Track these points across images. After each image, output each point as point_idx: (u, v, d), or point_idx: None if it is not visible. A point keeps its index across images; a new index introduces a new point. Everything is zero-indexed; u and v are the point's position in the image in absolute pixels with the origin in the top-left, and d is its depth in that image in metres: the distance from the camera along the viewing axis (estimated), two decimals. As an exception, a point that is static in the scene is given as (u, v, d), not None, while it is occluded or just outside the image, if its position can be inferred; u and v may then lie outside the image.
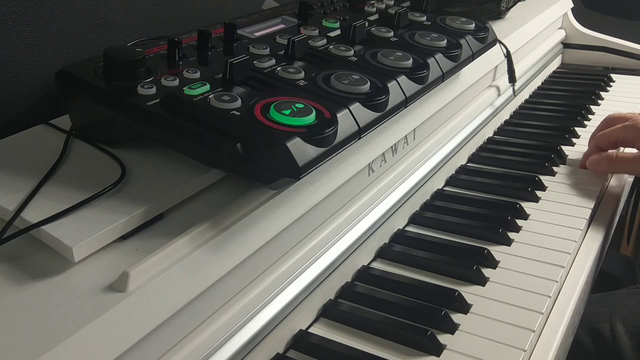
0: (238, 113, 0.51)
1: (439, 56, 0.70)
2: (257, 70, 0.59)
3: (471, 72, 0.86)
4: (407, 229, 0.75)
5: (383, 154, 0.69)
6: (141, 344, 0.42)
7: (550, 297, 0.62)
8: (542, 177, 0.84)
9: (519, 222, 0.75)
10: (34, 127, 0.61)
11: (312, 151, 0.49)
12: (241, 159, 0.49)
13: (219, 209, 0.50)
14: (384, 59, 0.65)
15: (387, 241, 0.72)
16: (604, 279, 1.13)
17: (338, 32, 0.72)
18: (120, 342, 0.40)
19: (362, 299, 0.62)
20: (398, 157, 0.74)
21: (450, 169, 0.86)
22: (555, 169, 0.88)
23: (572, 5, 1.34)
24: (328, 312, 0.61)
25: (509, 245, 0.71)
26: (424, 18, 0.80)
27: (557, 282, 0.64)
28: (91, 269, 0.44)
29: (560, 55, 1.34)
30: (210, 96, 0.52)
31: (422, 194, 0.78)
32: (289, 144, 0.48)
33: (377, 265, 0.68)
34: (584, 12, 1.59)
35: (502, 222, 0.74)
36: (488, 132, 0.98)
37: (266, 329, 0.54)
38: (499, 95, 0.99)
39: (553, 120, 1.04)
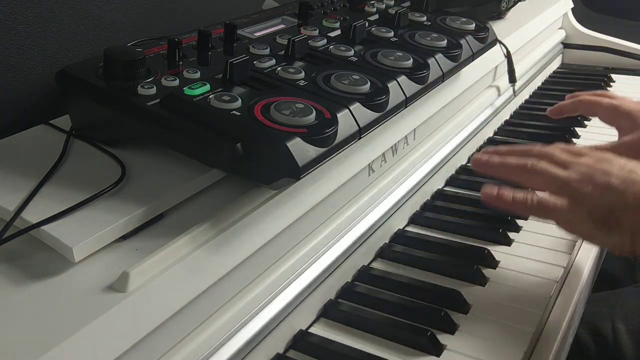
0: (238, 113, 0.51)
1: (439, 56, 0.69)
2: (257, 71, 0.59)
3: (471, 72, 0.85)
4: (407, 229, 0.75)
5: (383, 154, 0.69)
6: (141, 344, 0.42)
7: (550, 297, 0.62)
8: (542, 177, 0.84)
9: (519, 222, 0.75)
10: (34, 127, 0.61)
11: (312, 151, 0.49)
12: (241, 159, 0.49)
13: (219, 209, 0.50)
14: (384, 59, 0.65)
15: (387, 241, 0.71)
16: (604, 279, 1.12)
17: (338, 32, 0.72)
18: (120, 342, 0.40)
19: (362, 299, 0.62)
20: (398, 157, 0.73)
21: (450, 169, 0.86)
22: (555, 169, 0.87)
23: (572, 5, 1.33)
24: (328, 312, 0.61)
25: (509, 245, 0.71)
26: (424, 18, 0.80)
27: (557, 282, 0.64)
28: (91, 269, 0.44)
29: (561, 56, 1.34)
30: (211, 96, 0.52)
31: (422, 194, 0.78)
32: (289, 144, 0.48)
33: (377, 265, 0.68)
34: (584, 12, 1.59)
35: (502, 222, 0.74)
36: (488, 132, 0.98)
37: (266, 329, 0.53)
38: (499, 95, 0.99)
39: (553, 120, 1.04)
